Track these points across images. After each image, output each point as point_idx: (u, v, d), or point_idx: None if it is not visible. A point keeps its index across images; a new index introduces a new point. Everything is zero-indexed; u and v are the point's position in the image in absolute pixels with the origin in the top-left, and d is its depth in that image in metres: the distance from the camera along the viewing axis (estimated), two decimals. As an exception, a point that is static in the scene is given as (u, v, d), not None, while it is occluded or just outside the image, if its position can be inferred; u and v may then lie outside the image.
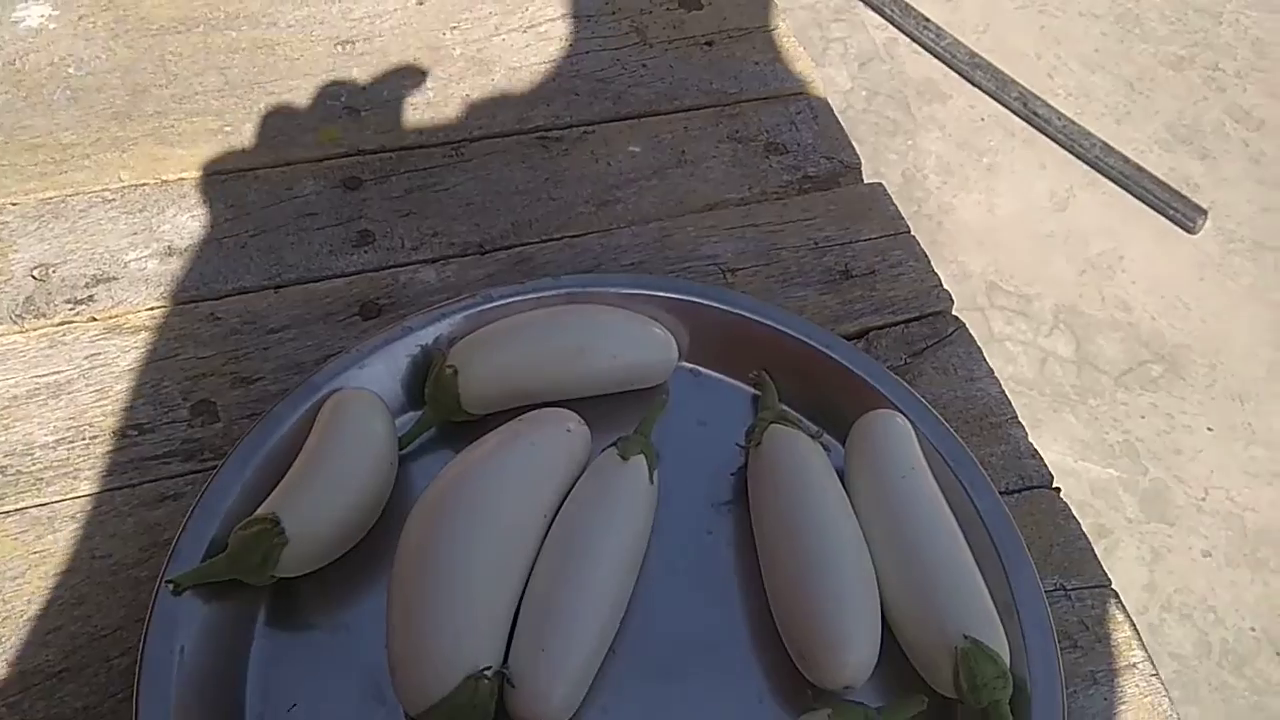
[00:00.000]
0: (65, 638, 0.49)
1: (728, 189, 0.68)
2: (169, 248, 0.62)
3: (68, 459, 0.54)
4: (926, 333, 0.61)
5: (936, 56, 1.80)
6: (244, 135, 0.68)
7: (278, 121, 0.69)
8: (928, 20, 1.82)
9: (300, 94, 0.71)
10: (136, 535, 0.52)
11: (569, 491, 0.51)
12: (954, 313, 0.63)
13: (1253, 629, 1.26)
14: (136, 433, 0.55)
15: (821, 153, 0.71)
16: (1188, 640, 1.25)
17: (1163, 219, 1.63)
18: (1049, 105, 1.71)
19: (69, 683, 0.48)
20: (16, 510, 0.52)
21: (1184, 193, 1.64)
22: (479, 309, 0.56)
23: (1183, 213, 1.61)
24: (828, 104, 0.74)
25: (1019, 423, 0.58)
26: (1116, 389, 1.47)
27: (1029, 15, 1.90)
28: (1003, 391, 0.59)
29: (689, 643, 0.49)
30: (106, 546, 0.52)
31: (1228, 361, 1.50)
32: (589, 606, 0.47)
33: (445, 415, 0.54)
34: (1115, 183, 1.66)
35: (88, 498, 0.53)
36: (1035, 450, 0.57)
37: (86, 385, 0.57)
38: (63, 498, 0.53)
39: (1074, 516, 0.54)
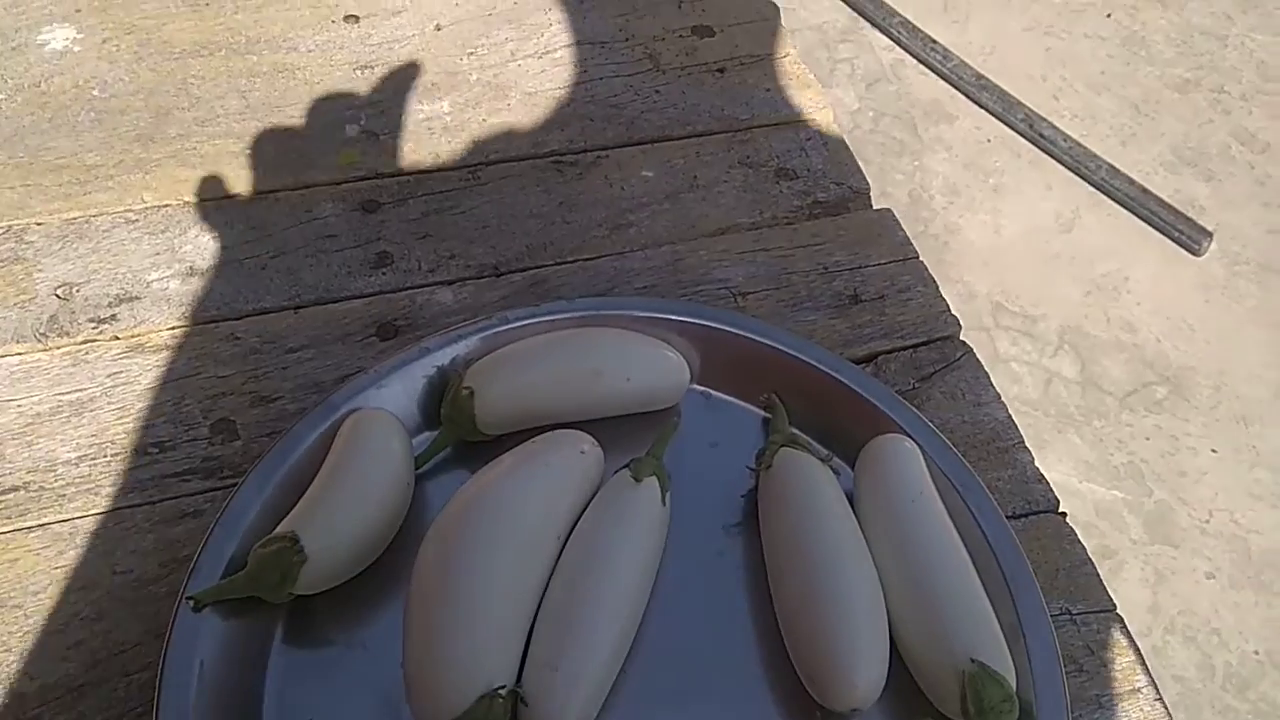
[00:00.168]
0: (86, 652, 0.50)
1: (739, 214, 0.69)
2: (191, 268, 0.64)
3: (90, 475, 0.55)
4: (934, 357, 0.62)
5: (943, 78, 1.82)
6: (265, 158, 0.70)
7: (298, 144, 0.70)
8: (934, 42, 1.83)
9: (320, 117, 0.72)
10: (157, 551, 0.53)
11: (582, 512, 0.52)
12: (961, 337, 0.64)
13: (1256, 652, 1.26)
14: (157, 450, 0.56)
15: (831, 178, 0.72)
16: (1191, 663, 1.25)
17: (1168, 241, 1.64)
18: (1055, 127, 1.72)
19: (89, 697, 0.49)
20: (40, 526, 0.53)
21: (1189, 215, 1.65)
22: (495, 331, 0.57)
23: (1188, 235, 1.62)
24: (837, 130, 0.75)
25: (1025, 447, 0.58)
26: (1121, 410, 1.47)
27: (1035, 37, 1.92)
28: (1010, 416, 0.60)
29: (700, 663, 0.50)
30: (127, 562, 0.53)
31: (1232, 383, 1.51)
32: (602, 626, 0.47)
33: (461, 435, 0.55)
34: (1121, 204, 1.67)
35: (109, 514, 0.54)
36: (1041, 475, 0.58)
37: (109, 403, 0.58)
38: (84, 514, 0.54)
39: (1080, 541, 0.55)
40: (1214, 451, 1.44)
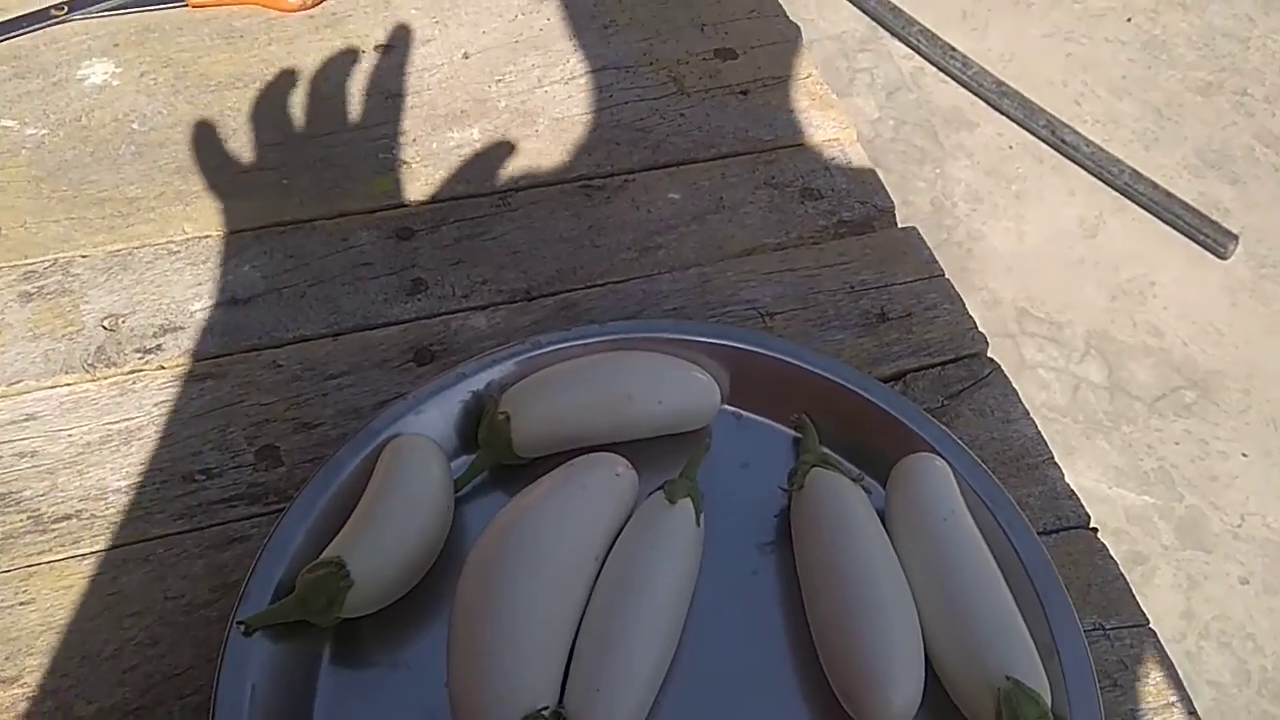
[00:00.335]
0: (141, 676, 0.51)
1: (765, 234, 0.70)
2: (232, 298, 0.65)
3: (140, 503, 0.57)
4: (963, 375, 0.63)
5: (963, 85, 1.82)
6: (301, 187, 0.71)
7: (332, 174, 0.72)
8: (954, 49, 1.84)
9: (353, 147, 0.74)
10: (207, 576, 0.54)
11: (619, 533, 0.53)
12: (989, 354, 0.65)
13: (1292, 657, 1.25)
14: (205, 477, 0.58)
15: (856, 197, 0.73)
16: (1226, 668, 1.25)
17: (1193, 244, 1.64)
18: (1077, 132, 1.73)
19: (144, 720, 0.50)
20: (92, 553, 0.55)
21: (1214, 218, 1.64)
22: (529, 355, 0.59)
23: (1213, 238, 1.61)
24: (860, 149, 0.76)
25: (1055, 463, 0.59)
26: (1150, 415, 1.47)
27: (1055, 43, 1.92)
28: (1039, 432, 0.61)
29: (737, 681, 0.51)
30: (178, 588, 0.54)
31: (1261, 386, 1.50)
32: (642, 646, 0.48)
33: (498, 459, 0.56)
34: (1145, 209, 1.67)
35: (159, 540, 0.56)
36: (1072, 490, 0.58)
37: (156, 432, 0.59)
38: (135, 540, 0.56)
39: (1111, 556, 0.56)
40: (1245, 455, 1.43)
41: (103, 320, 0.64)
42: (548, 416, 0.56)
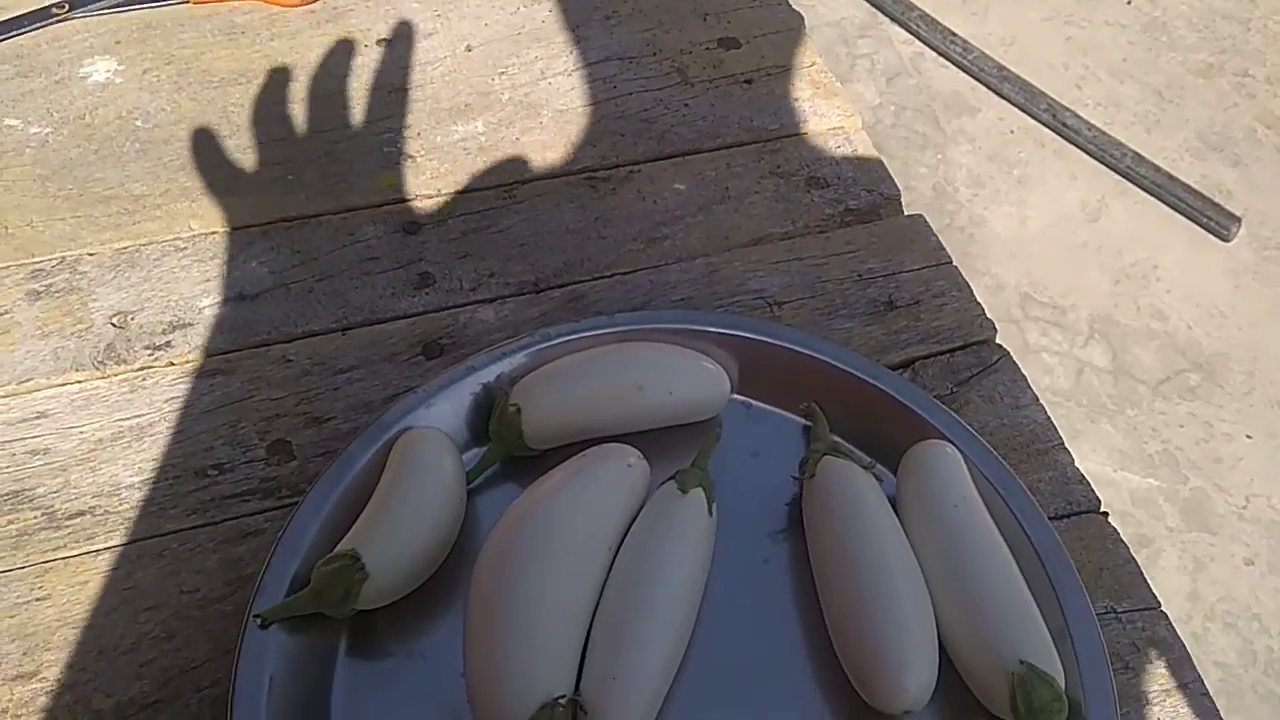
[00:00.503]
0: (158, 670, 0.52)
1: (771, 224, 0.71)
2: (240, 294, 0.65)
3: (153, 498, 0.57)
4: (971, 361, 0.63)
5: (964, 70, 1.82)
6: (306, 183, 0.71)
7: (338, 169, 0.72)
8: (954, 34, 1.83)
9: (358, 142, 0.74)
10: (221, 570, 0.55)
11: (631, 523, 0.53)
12: (997, 340, 0.65)
13: (1298, 637, 1.26)
14: (217, 472, 0.58)
15: (862, 185, 0.73)
16: (1232, 649, 1.25)
17: (1196, 227, 1.64)
18: (1078, 116, 1.72)
19: (163, 713, 0.50)
20: (107, 548, 0.55)
21: (1217, 200, 1.64)
22: (538, 348, 0.59)
23: (1216, 220, 1.61)
24: (865, 137, 0.76)
25: (1065, 449, 0.59)
26: (1154, 398, 1.47)
27: (1055, 26, 1.91)
28: (1049, 418, 0.61)
29: (751, 668, 0.51)
30: (193, 582, 0.54)
31: (1265, 369, 1.50)
32: (656, 635, 0.49)
33: (509, 450, 0.57)
34: (1147, 192, 1.67)
35: (173, 535, 0.56)
36: (1082, 475, 0.58)
37: (167, 428, 0.60)
38: (150, 535, 0.56)
39: (1122, 540, 0.56)
40: (1249, 437, 1.43)
41: (111, 318, 0.64)
42: (558, 408, 0.56)
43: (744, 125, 0.76)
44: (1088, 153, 1.71)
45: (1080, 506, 0.57)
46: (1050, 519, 0.54)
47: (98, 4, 0.81)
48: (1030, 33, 1.90)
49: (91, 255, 0.67)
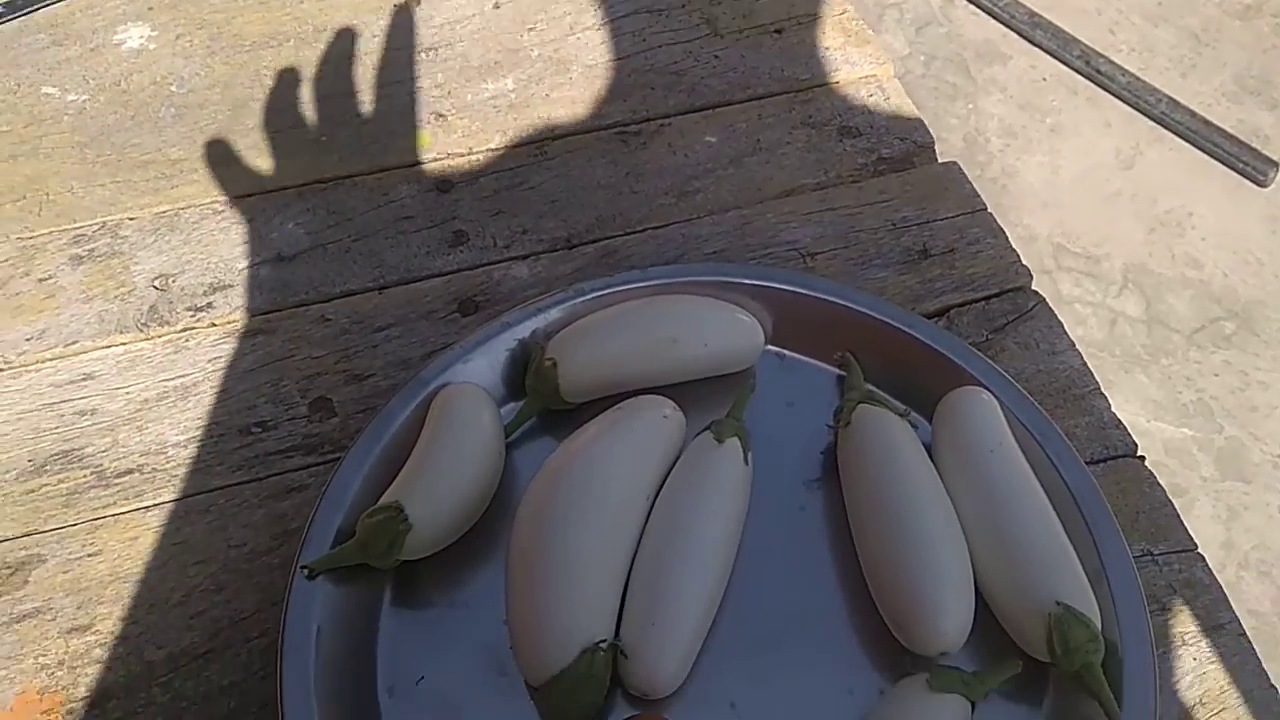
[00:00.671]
0: (208, 621, 0.53)
1: (804, 174, 0.70)
2: (278, 255, 0.66)
3: (199, 456, 0.58)
4: (1007, 309, 0.63)
5: (994, 17, 1.79)
6: (340, 144, 0.72)
7: (370, 130, 0.73)
8: (985, -19, 1.80)
9: (390, 102, 0.74)
10: (267, 525, 0.56)
11: (668, 474, 0.54)
12: (1033, 287, 0.64)
13: (1335, 585, 1.25)
14: (260, 429, 0.59)
15: (895, 134, 0.72)
16: (1266, 597, 1.25)
17: (1232, 173, 1.61)
18: (1112, 62, 1.69)
19: (214, 663, 0.52)
20: (155, 505, 0.57)
21: (1254, 145, 1.61)
22: (572, 303, 0.59)
23: (1253, 166, 1.58)
24: (898, 85, 0.75)
25: (1102, 394, 0.59)
26: (1189, 347, 1.46)
27: (1088, -30, 1.87)
28: (1085, 364, 0.61)
29: (788, 614, 0.52)
30: (240, 536, 0.56)
31: (1303, 316, 1.48)
32: (694, 582, 0.49)
33: (545, 404, 0.57)
34: (1182, 138, 1.64)
35: (219, 491, 0.57)
36: (1119, 420, 0.58)
37: (211, 387, 0.61)
38: (197, 491, 0.57)
39: (1159, 483, 0.56)
40: (1286, 386, 1.42)
41: (153, 280, 0.65)
42: (594, 362, 0.57)
43: (775, 75, 0.76)
44: (1121, 99, 1.68)
45: (1117, 451, 0.57)
46: (1087, 464, 0.54)
47: (127, -31, 0.81)
48: (1062, -23, 1.86)
49: (132, 220, 0.68)
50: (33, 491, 0.56)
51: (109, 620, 0.53)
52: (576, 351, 0.57)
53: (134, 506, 0.57)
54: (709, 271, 0.61)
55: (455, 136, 0.72)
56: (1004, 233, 0.66)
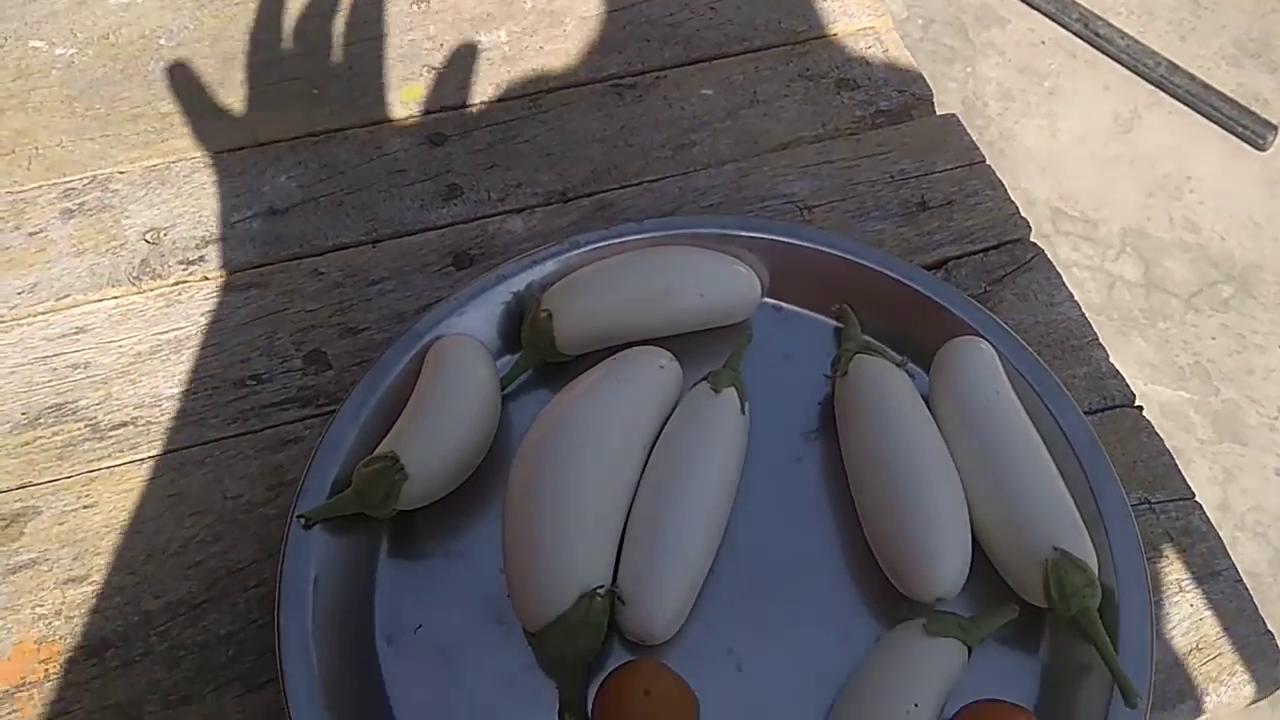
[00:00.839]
0: (205, 572, 0.53)
1: (801, 127, 0.70)
2: (270, 208, 0.66)
3: (193, 409, 0.58)
4: (1005, 260, 0.63)
5: (994, -20, 1.77)
6: (331, 97, 0.71)
7: (362, 83, 0.72)
8: (984, -57, 1.78)
9: (382, 55, 0.73)
10: (263, 476, 0.56)
11: (664, 424, 0.54)
12: (1031, 239, 0.64)
13: (1329, 546, 1.26)
14: (255, 382, 0.59)
15: (893, 86, 0.71)
16: (1262, 558, 1.25)
17: (1231, 136, 1.60)
18: (1110, 25, 1.68)
19: (212, 612, 0.52)
20: (150, 457, 0.56)
21: (1253, 109, 1.60)
22: (567, 255, 0.59)
23: (1252, 129, 1.58)
24: (896, 37, 0.74)
25: (1100, 344, 0.59)
26: (1186, 311, 1.46)
27: (1088, -68, 1.85)
28: (1083, 315, 0.60)
29: (785, 562, 0.52)
30: (236, 488, 0.55)
31: (1300, 279, 1.48)
32: (691, 529, 0.49)
33: (541, 357, 0.57)
34: (1181, 101, 1.63)
35: (215, 443, 0.57)
36: (1116, 370, 0.58)
37: (204, 340, 0.60)
38: (192, 444, 0.57)
39: (1156, 433, 0.56)
40: (1282, 349, 1.42)
41: (145, 234, 0.65)
42: (590, 313, 0.57)
43: (771, 27, 0.75)
44: (1120, 62, 1.67)
45: (1115, 401, 0.57)
46: (1085, 413, 0.54)
47: (115, -79, 0.80)
48: (1062, -61, 1.84)
49: (122, 173, 0.67)
50: (27, 444, 0.56)
51: (105, 571, 0.53)
52: (572, 303, 0.56)
53: (128, 459, 0.56)
54: (705, 224, 0.60)
55: (448, 89, 0.71)
56: (1002, 185, 0.66)
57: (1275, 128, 1.57)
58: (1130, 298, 1.47)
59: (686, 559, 0.49)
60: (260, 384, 0.59)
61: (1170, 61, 1.64)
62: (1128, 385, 0.58)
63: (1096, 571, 0.47)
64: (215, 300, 0.62)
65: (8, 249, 0.63)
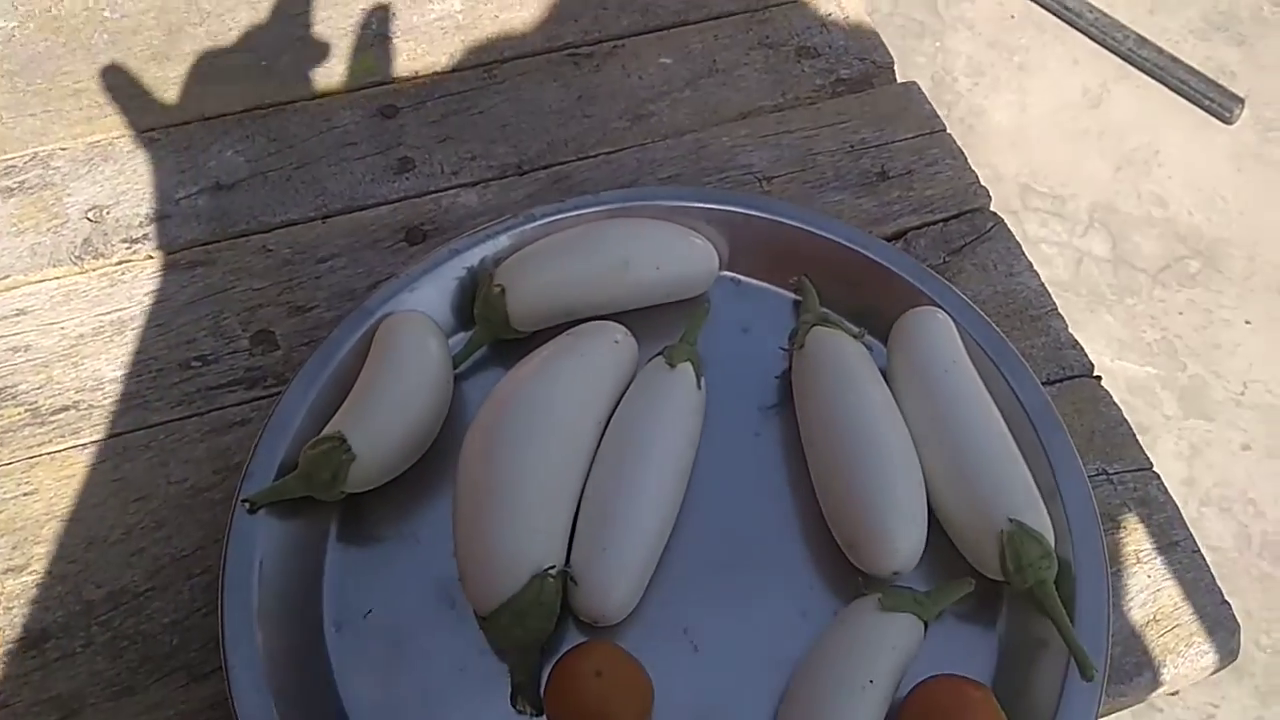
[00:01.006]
0: (149, 559, 0.52)
1: (760, 96, 0.69)
2: (217, 183, 0.64)
3: (137, 392, 0.57)
4: (965, 230, 0.62)
5: (963, -46, 1.76)
6: (280, 69, 0.69)
7: (311, 54, 0.70)
8: (953, -83, 1.77)
9: (331, 25, 0.71)
10: (209, 460, 0.54)
11: (619, 400, 0.53)
12: (991, 209, 0.63)
13: (1293, 518, 1.27)
14: (200, 364, 0.57)
15: (854, 54, 0.70)
16: (1228, 533, 1.26)
17: (1199, 110, 1.60)
18: (1080, -2, 1.67)
19: (155, 600, 0.51)
20: (93, 442, 0.55)
21: (1220, 82, 1.60)
22: (522, 229, 0.58)
23: (1219, 103, 1.58)
24: (858, 4, 0.73)
25: (1059, 314, 0.58)
26: (1154, 286, 1.46)
27: (1057, -95, 1.84)
28: (1043, 285, 0.60)
29: (741, 538, 0.51)
30: (181, 472, 0.54)
31: (1266, 253, 1.48)
32: (645, 507, 0.48)
33: (495, 334, 0.56)
34: (1150, 75, 1.63)
35: (159, 427, 0.55)
36: (1075, 341, 0.57)
37: (149, 321, 0.59)
38: (136, 428, 0.55)
39: (1115, 403, 0.55)
40: (1248, 323, 1.42)
41: (87, 212, 0.63)
42: (544, 288, 0.55)
43: (731, -5, 0.73)
44: (1089, 36, 1.66)
45: (1073, 371, 0.57)
46: (1043, 384, 0.53)
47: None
48: (1031, -87, 1.83)
49: (64, 150, 0.65)
50: (-37, 429, 0.55)
51: (46, 560, 0.51)
52: (525, 277, 0.55)
53: (70, 444, 0.55)
54: (663, 195, 0.59)
55: (400, 59, 0.70)
56: (963, 154, 0.65)
57: (1241, 101, 1.57)
58: (1098, 273, 1.47)
59: (640, 538, 0.48)
60: (206, 365, 0.57)
61: (1138, 35, 1.63)
62: (1086, 355, 0.57)
63: (1053, 544, 0.46)
64: (160, 279, 0.60)
65: (-56, 228, 0.61)
